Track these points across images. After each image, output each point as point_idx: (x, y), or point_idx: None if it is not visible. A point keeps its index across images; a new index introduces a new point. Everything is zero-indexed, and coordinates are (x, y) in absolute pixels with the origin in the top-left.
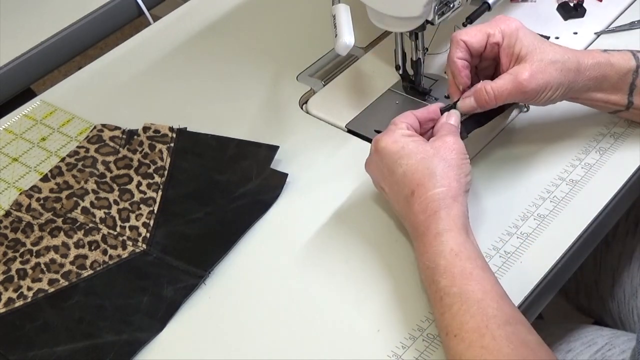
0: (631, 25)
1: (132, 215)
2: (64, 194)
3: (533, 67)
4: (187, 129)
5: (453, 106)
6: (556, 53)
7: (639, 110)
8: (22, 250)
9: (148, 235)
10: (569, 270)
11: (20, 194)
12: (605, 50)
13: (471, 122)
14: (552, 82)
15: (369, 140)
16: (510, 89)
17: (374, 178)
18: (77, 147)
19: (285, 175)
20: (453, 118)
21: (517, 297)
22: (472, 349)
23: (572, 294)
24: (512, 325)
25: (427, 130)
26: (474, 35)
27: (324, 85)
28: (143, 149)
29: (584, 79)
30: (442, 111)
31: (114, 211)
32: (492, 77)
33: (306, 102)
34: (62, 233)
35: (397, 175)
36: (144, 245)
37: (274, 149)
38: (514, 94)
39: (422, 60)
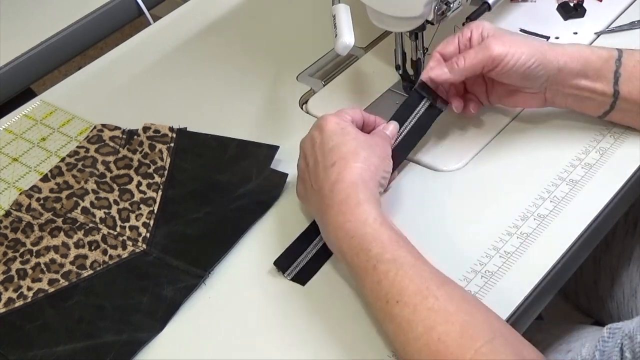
0: (631, 25)
1: (132, 215)
2: (64, 194)
3: (502, 37)
4: (187, 129)
5: (420, 85)
6: (533, 44)
7: (627, 104)
8: (22, 250)
9: (148, 235)
10: (569, 271)
11: (20, 194)
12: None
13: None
14: (521, 49)
15: None
16: (480, 54)
17: (304, 152)
18: (77, 147)
19: (285, 175)
20: (390, 128)
21: (517, 297)
22: (419, 312)
23: (572, 294)
24: (448, 284)
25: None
26: (447, 43)
27: (324, 85)
28: (143, 149)
29: (563, 56)
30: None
31: (114, 211)
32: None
33: (306, 102)
34: (62, 233)
35: (325, 148)
36: (144, 245)
37: (274, 148)
38: (483, 60)
39: (422, 60)
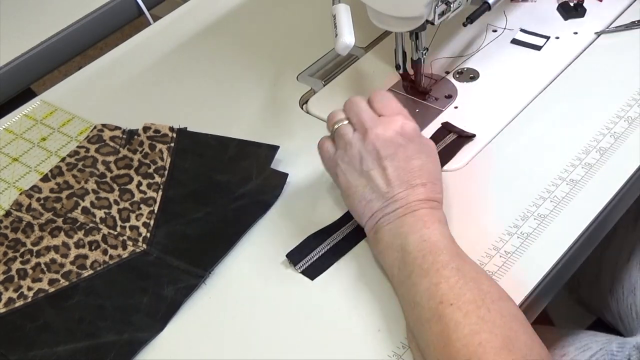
0: (631, 25)
1: (133, 215)
2: (64, 194)
3: None
4: (187, 129)
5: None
6: None
7: None
8: (22, 250)
9: (148, 235)
10: (570, 270)
11: (20, 194)
12: None
13: None
14: None
15: None
16: None
17: (386, 141)
18: (77, 147)
19: (286, 175)
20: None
21: (518, 297)
22: (469, 317)
23: (575, 287)
24: (504, 301)
25: None
26: None
27: (324, 85)
28: (143, 149)
29: None
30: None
31: (114, 211)
32: None
33: (306, 102)
34: (62, 233)
35: (413, 164)
36: (144, 245)
37: (274, 148)
38: None
39: (422, 60)
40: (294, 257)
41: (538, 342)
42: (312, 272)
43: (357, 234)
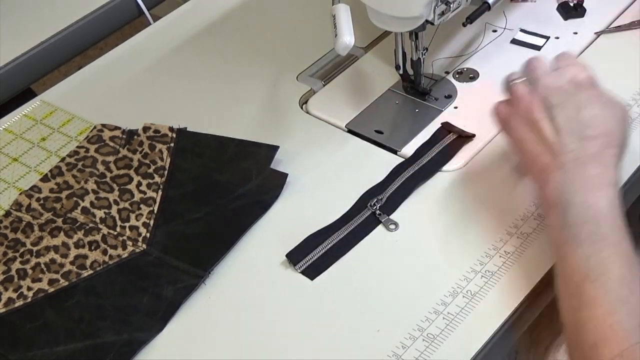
0: (631, 25)
1: (132, 215)
2: (64, 194)
3: None
4: (187, 129)
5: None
6: None
7: None
8: (22, 250)
9: (148, 235)
10: None
11: (20, 194)
12: None
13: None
14: None
15: (369, 140)
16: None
17: (557, 90)
18: (77, 147)
19: (285, 175)
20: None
21: (517, 297)
22: (608, 295)
23: None
24: None
25: None
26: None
27: (324, 85)
28: (143, 149)
29: None
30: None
31: (114, 211)
32: None
33: (306, 102)
34: (62, 233)
35: (585, 113)
36: (144, 245)
37: (274, 148)
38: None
39: (422, 60)
40: (293, 257)
41: None
42: (312, 272)
43: (357, 234)
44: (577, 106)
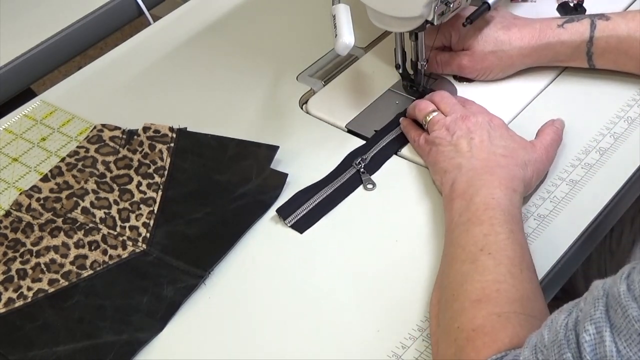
0: None
1: (132, 215)
2: (64, 194)
3: (473, 57)
4: (187, 129)
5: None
6: (497, 42)
7: (603, 65)
8: (22, 250)
9: (148, 235)
10: (569, 271)
11: (20, 194)
12: (561, 24)
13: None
14: (491, 67)
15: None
16: (454, 68)
17: (477, 124)
18: (77, 147)
19: (285, 175)
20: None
21: None
22: (500, 268)
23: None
24: (536, 277)
25: None
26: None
27: (324, 85)
28: (143, 149)
29: (532, 60)
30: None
31: (114, 211)
32: None
33: (306, 102)
34: (62, 233)
35: (514, 146)
36: (144, 245)
37: (274, 149)
38: (456, 72)
39: (422, 71)
40: (283, 212)
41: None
42: (301, 226)
43: (344, 190)
44: (492, 137)
